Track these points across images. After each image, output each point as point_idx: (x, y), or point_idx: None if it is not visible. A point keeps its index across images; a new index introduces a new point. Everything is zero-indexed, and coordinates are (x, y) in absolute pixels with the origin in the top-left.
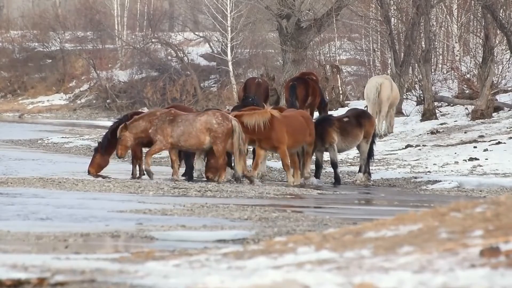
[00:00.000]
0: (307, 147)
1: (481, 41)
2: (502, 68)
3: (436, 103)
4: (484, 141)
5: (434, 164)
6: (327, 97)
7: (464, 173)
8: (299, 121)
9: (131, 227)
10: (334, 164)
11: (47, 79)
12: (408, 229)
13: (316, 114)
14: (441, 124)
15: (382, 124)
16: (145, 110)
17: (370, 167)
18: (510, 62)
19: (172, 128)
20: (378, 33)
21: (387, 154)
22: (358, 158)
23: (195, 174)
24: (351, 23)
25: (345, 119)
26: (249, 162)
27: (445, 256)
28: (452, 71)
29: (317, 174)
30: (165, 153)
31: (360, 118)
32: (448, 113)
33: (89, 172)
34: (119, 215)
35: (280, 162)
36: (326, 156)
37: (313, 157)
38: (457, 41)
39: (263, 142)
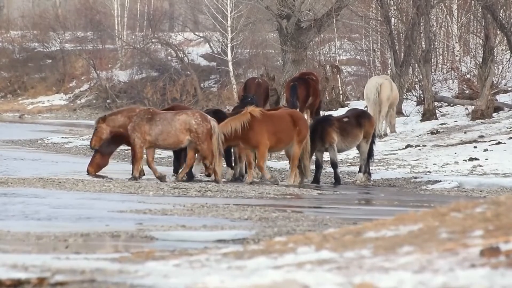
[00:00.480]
0: (300, 147)
1: (481, 41)
2: (502, 68)
3: (436, 103)
4: (484, 141)
5: (434, 164)
6: (327, 97)
7: (464, 173)
8: (284, 120)
9: (131, 227)
10: (334, 164)
11: (47, 79)
12: (408, 229)
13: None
14: (441, 124)
15: (382, 124)
16: None
17: (370, 167)
18: (510, 62)
19: (150, 126)
20: (378, 33)
21: (387, 154)
22: (358, 158)
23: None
24: (351, 23)
25: (345, 119)
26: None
27: (445, 256)
28: (452, 71)
29: (317, 175)
30: (165, 153)
31: (360, 118)
32: (448, 113)
33: (88, 172)
34: (119, 215)
35: (280, 162)
36: (326, 156)
37: (313, 157)
38: (457, 41)
39: (243, 143)
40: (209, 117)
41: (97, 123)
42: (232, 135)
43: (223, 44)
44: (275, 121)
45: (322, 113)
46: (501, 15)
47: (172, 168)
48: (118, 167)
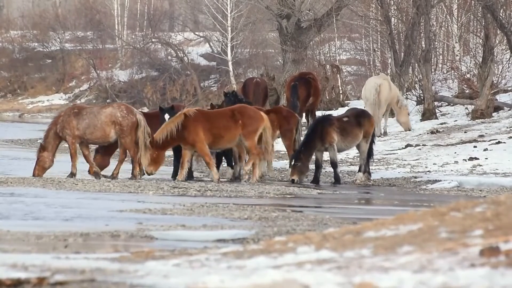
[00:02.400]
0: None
1: (481, 41)
2: (502, 68)
3: (436, 103)
4: (484, 141)
5: (434, 164)
6: (327, 97)
7: (464, 172)
8: (223, 116)
9: (131, 227)
10: (334, 164)
11: (47, 79)
12: (408, 228)
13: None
14: (441, 123)
15: (381, 124)
16: (145, 110)
17: (370, 167)
18: (510, 62)
19: (77, 121)
20: (378, 33)
21: (387, 154)
22: (358, 158)
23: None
24: (351, 23)
25: (345, 119)
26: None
27: (445, 255)
28: (452, 71)
29: (316, 174)
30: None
31: (359, 117)
32: (448, 113)
33: (89, 172)
34: (119, 214)
35: (280, 161)
36: (326, 156)
37: (313, 157)
38: (457, 41)
39: (182, 143)
40: (135, 110)
41: (38, 152)
42: (169, 138)
43: (223, 43)
44: (211, 119)
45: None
46: (501, 15)
47: (172, 168)
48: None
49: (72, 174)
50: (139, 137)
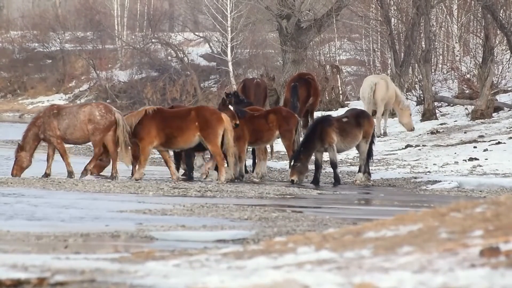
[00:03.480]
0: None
1: (481, 41)
2: (502, 68)
3: (436, 103)
4: (484, 141)
5: (434, 164)
6: (327, 97)
7: (464, 173)
8: (179, 116)
9: (131, 227)
10: (333, 164)
11: (47, 79)
12: (408, 229)
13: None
14: (441, 124)
15: (380, 124)
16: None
17: (370, 167)
18: (510, 62)
19: (58, 121)
20: (378, 33)
21: (387, 154)
22: (358, 158)
23: (198, 173)
24: (351, 23)
25: (344, 119)
26: (249, 162)
27: (445, 256)
28: (452, 71)
29: (316, 175)
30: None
31: (359, 118)
32: (448, 113)
33: (91, 172)
34: (119, 215)
35: (280, 162)
36: (326, 156)
37: (313, 157)
38: (457, 41)
39: (134, 137)
40: (114, 109)
41: (16, 152)
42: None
43: (223, 44)
44: (167, 119)
45: (321, 113)
46: (501, 15)
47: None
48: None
49: (70, 174)
50: (118, 136)
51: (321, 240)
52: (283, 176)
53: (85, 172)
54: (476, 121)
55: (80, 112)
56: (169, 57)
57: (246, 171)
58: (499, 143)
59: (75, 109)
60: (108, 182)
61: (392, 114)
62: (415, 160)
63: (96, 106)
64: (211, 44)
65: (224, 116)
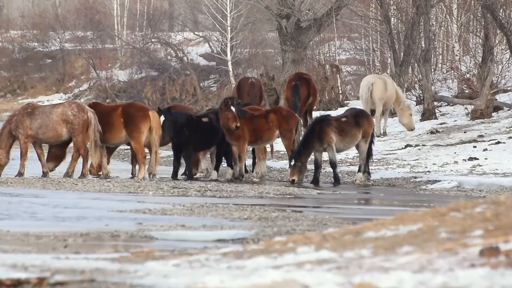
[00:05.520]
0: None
1: (481, 41)
2: (502, 68)
3: (435, 103)
4: (484, 141)
5: (433, 164)
6: (327, 97)
7: (463, 172)
8: (108, 113)
9: (131, 227)
10: (333, 164)
11: (47, 79)
12: (408, 229)
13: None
14: (441, 124)
15: (379, 123)
16: None
17: (370, 167)
18: (510, 62)
19: (30, 121)
20: (378, 32)
21: (386, 154)
22: (358, 158)
23: (202, 174)
24: (351, 22)
25: (343, 119)
26: (249, 162)
27: (445, 256)
28: (452, 71)
29: (316, 175)
30: (165, 153)
31: (358, 117)
32: (448, 113)
33: (90, 172)
34: (119, 215)
35: (280, 162)
36: (325, 156)
37: (312, 157)
38: (457, 40)
39: None
40: (86, 107)
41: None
42: None
43: (223, 43)
44: (98, 115)
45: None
46: (500, 14)
47: (172, 168)
48: (118, 167)
49: (20, 174)
50: (89, 135)
51: (321, 240)
52: (282, 175)
53: (82, 177)
54: (475, 120)
55: (53, 112)
56: (169, 57)
57: (246, 171)
58: (498, 142)
59: (48, 108)
60: (108, 182)
61: (392, 114)
62: (415, 160)
63: (68, 105)
64: (210, 43)
65: (152, 113)
